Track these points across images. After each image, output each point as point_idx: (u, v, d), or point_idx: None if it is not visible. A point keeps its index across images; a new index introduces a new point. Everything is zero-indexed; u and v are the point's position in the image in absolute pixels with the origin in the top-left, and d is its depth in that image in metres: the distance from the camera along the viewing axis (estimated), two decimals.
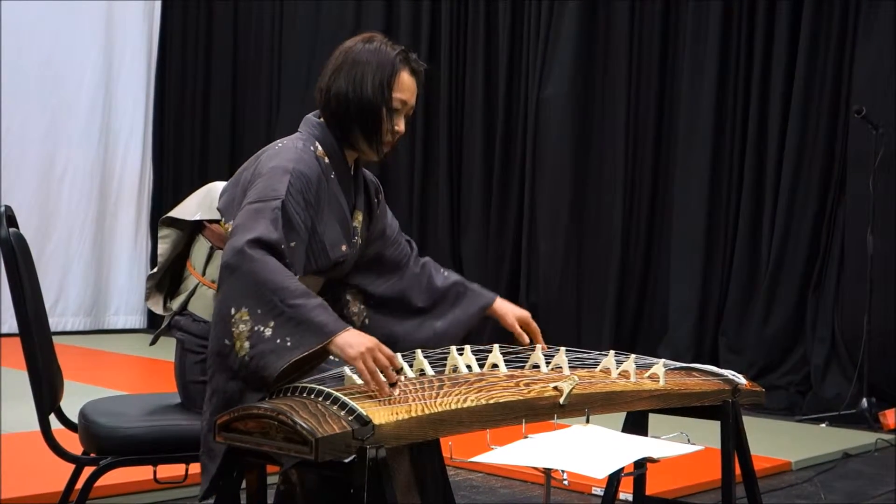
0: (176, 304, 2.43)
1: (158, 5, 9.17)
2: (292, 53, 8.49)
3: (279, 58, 8.62)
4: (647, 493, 2.92)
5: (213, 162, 8.94)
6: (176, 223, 2.47)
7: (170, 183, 9.13)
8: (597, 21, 6.83)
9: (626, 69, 6.68)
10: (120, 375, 6.71)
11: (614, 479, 2.86)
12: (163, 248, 2.47)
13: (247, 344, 1.98)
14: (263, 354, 1.97)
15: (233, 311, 2.01)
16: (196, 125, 9.12)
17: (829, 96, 5.92)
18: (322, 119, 2.38)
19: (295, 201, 2.17)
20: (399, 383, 2.01)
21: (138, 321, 8.94)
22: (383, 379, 1.96)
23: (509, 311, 2.55)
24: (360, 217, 2.44)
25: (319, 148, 2.32)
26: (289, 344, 1.96)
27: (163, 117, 9.20)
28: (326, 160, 2.32)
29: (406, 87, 2.34)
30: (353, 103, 2.31)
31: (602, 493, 3.01)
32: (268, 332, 1.97)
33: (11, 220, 2.33)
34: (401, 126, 2.37)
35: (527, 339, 2.50)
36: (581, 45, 6.80)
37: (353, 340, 1.98)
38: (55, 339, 2.47)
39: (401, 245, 2.58)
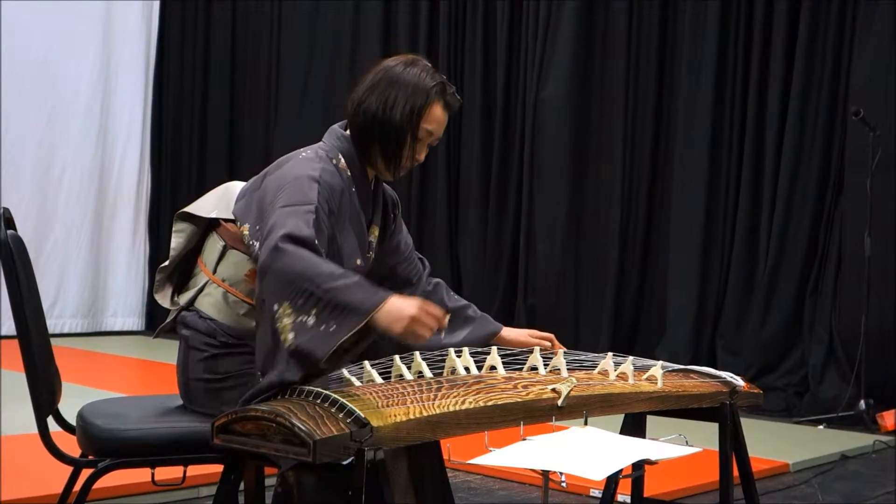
0: (184, 300, 2.42)
1: (157, 6, 9.16)
2: (290, 55, 8.48)
3: (277, 59, 8.61)
4: (645, 494, 2.93)
5: (210, 163, 8.93)
6: (191, 219, 2.47)
7: (167, 184, 9.12)
8: (595, 22, 6.84)
9: (623, 70, 6.68)
10: (118, 377, 6.70)
11: (612, 481, 2.86)
12: (176, 241, 2.47)
13: (291, 335, 1.99)
14: (308, 342, 1.98)
15: (275, 307, 2.01)
16: (194, 126, 9.10)
17: (827, 98, 5.92)
18: (347, 131, 2.38)
19: (323, 210, 2.18)
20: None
21: (136, 323, 8.93)
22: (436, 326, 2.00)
23: (520, 333, 2.57)
24: (375, 231, 2.45)
25: (342, 161, 2.33)
26: (332, 329, 1.97)
27: (161, 118, 9.19)
28: (348, 173, 2.33)
29: (435, 119, 2.34)
30: (380, 123, 2.31)
31: (600, 495, 3.01)
32: (311, 320, 1.98)
33: (9, 221, 2.33)
34: (421, 156, 2.38)
35: (547, 344, 2.52)
36: (579, 45, 6.80)
37: (396, 308, 1.98)
38: (53, 341, 2.47)
39: (413, 262, 2.60)
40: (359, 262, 2.35)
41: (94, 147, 8.63)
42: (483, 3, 7.32)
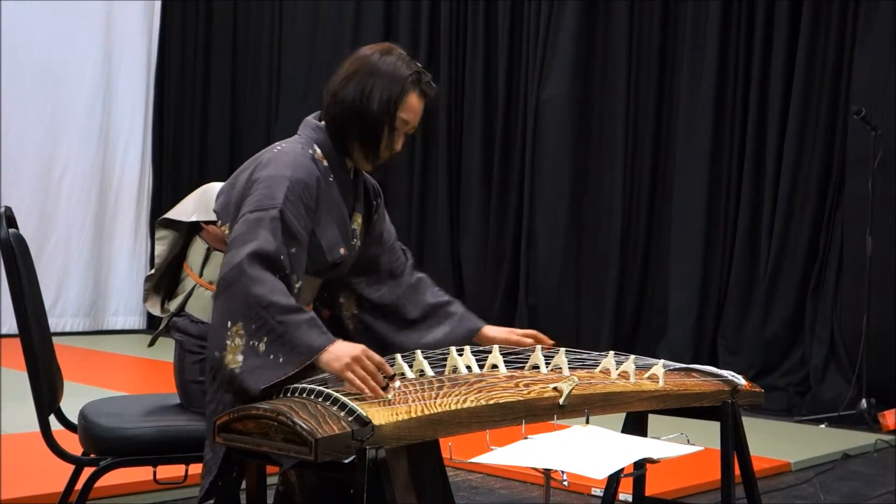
0: (174, 306, 2.43)
1: (158, 6, 9.17)
2: (292, 53, 8.49)
3: (279, 58, 8.62)
4: (647, 493, 2.93)
5: (212, 162, 8.94)
6: (172, 224, 2.47)
7: (169, 183, 9.13)
8: (596, 22, 6.84)
9: (625, 70, 6.68)
10: (119, 376, 6.71)
11: (614, 480, 2.86)
12: (160, 249, 2.47)
13: (239, 357, 2.00)
14: (254, 370, 1.99)
15: (229, 324, 2.03)
16: (195, 126, 9.11)
17: (828, 97, 5.92)
18: (322, 122, 2.38)
19: (294, 207, 2.17)
20: (391, 387, 2.01)
21: (138, 322, 8.93)
22: (374, 385, 1.96)
23: (501, 330, 2.54)
24: (359, 219, 2.44)
25: (318, 151, 2.33)
26: (281, 360, 1.99)
27: (162, 118, 9.19)
28: (325, 163, 2.33)
29: (412, 108, 2.34)
30: (357, 114, 2.30)
31: (602, 494, 3.01)
32: (262, 346, 2.00)
33: (11, 220, 2.33)
34: (398, 145, 2.37)
35: (529, 342, 2.49)
36: (580, 45, 6.80)
37: (338, 353, 1.99)
38: (54, 339, 2.47)
39: (397, 253, 2.58)
40: (342, 251, 2.35)
41: (96, 146, 8.63)
42: (484, 3, 7.32)
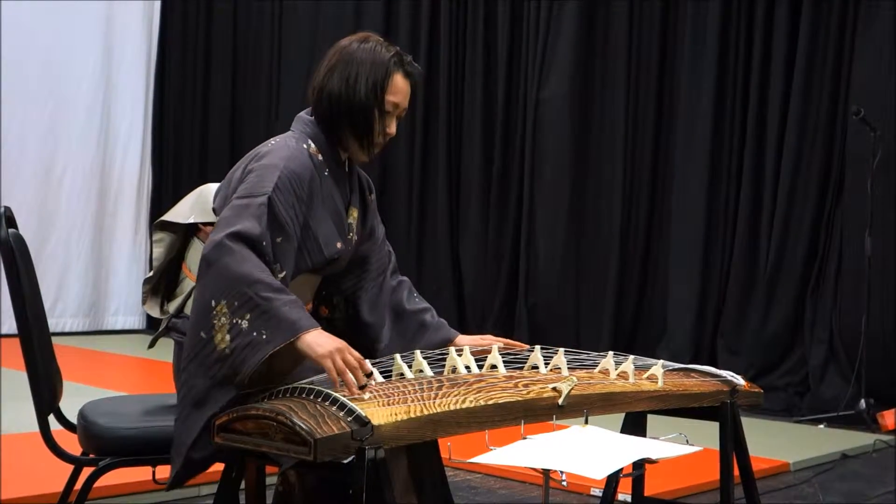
0: (173, 307, 2.43)
1: (158, 5, 9.17)
2: (292, 53, 8.49)
3: (279, 58, 8.62)
4: (646, 493, 2.93)
5: (212, 162, 8.94)
6: (169, 227, 2.47)
7: (169, 183, 9.12)
8: (596, 21, 6.84)
9: (624, 70, 6.69)
10: (119, 376, 6.71)
11: (613, 480, 2.86)
12: (157, 251, 2.47)
13: (227, 337, 2.00)
14: (242, 348, 1.99)
15: (213, 303, 2.03)
16: (195, 125, 9.11)
17: (828, 97, 5.92)
18: (313, 117, 2.39)
19: (283, 198, 2.17)
20: (369, 387, 2.01)
21: (137, 322, 8.93)
22: (352, 378, 1.97)
23: (474, 338, 2.52)
24: (355, 213, 2.44)
25: (312, 145, 2.33)
26: (264, 337, 1.98)
27: (162, 117, 9.19)
28: (320, 157, 2.33)
29: (399, 89, 2.33)
30: (345, 103, 2.30)
31: (601, 494, 3.01)
32: (244, 324, 2.00)
33: (11, 220, 2.33)
34: (392, 129, 2.36)
35: (497, 345, 2.47)
36: (580, 45, 6.80)
37: (321, 340, 2.00)
38: (54, 339, 2.47)
39: (383, 252, 2.59)
40: (339, 244, 2.35)
41: (96, 146, 8.63)
42: (484, 4, 7.32)
